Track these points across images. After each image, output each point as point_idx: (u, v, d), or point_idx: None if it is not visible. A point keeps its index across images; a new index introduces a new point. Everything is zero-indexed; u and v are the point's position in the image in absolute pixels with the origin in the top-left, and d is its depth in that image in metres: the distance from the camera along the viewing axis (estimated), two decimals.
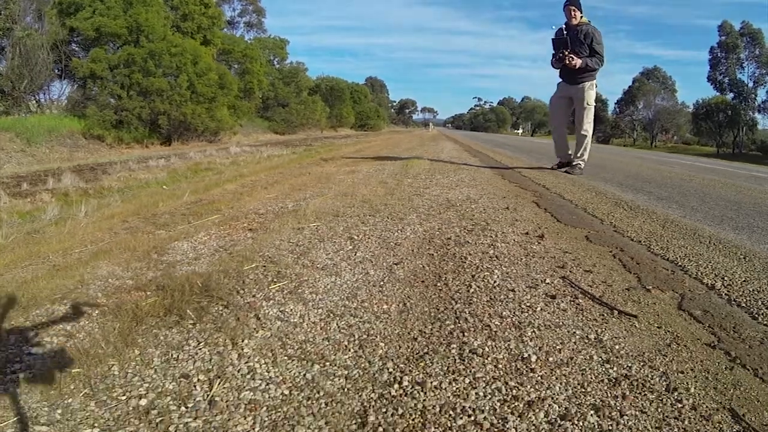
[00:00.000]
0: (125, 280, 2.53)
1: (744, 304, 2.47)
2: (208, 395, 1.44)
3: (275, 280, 2.42)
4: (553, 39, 6.81)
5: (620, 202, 5.35)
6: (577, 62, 6.47)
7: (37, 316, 2.05)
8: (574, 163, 7.38)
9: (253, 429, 1.32)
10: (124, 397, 1.43)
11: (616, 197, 5.67)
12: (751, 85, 44.62)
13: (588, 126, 6.98)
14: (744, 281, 2.82)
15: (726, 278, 2.87)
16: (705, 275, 2.91)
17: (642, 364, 1.78)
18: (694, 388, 1.64)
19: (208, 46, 25.26)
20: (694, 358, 1.86)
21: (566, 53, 6.48)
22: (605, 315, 2.18)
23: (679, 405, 1.54)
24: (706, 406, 1.55)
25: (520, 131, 77.27)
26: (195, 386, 1.49)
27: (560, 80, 7.07)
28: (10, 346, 1.77)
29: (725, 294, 2.62)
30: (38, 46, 18.68)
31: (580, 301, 2.32)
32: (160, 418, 1.32)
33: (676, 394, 1.60)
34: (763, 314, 2.34)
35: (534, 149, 17.67)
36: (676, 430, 1.43)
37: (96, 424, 1.32)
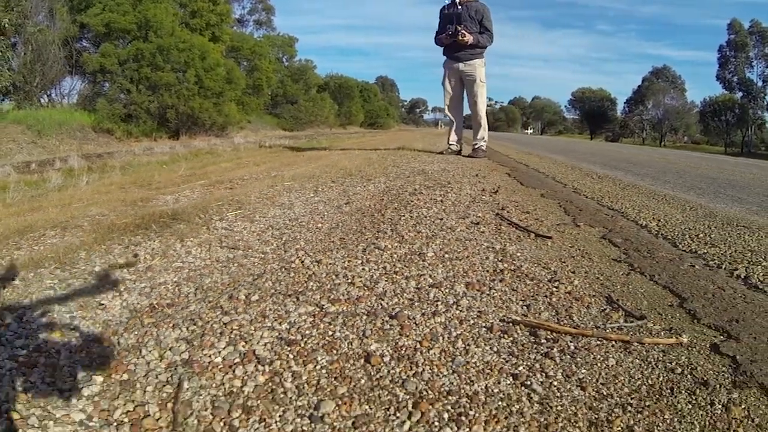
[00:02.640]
0: (110, 216, 2.83)
1: (669, 237, 2.70)
2: (148, 264, 1.73)
3: (234, 210, 2.71)
4: (441, 13, 6.63)
5: (592, 173, 5.58)
6: (469, 38, 6.27)
7: (30, 237, 2.35)
8: (476, 146, 6.93)
9: (172, 280, 1.66)
10: (83, 267, 1.73)
11: (590, 171, 5.90)
12: (760, 84, 44.38)
13: (483, 106, 6.72)
14: (680, 223, 3.05)
15: (662, 221, 3.10)
16: (642, 219, 3.14)
17: (535, 265, 2.02)
18: (578, 281, 1.88)
19: (216, 43, 25.62)
20: (594, 266, 2.10)
21: (459, 28, 6.24)
22: (522, 237, 2.43)
23: (555, 289, 1.78)
24: (582, 293, 1.78)
25: (530, 131, 77.55)
26: (140, 260, 1.80)
27: (446, 59, 6.75)
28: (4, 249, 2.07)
29: (655, 231, 2.85)
30: (49, 42, 19.13)
31: (503, 228, 2.57)
32: (105, 274, 1.63)
33: (556, 283, 1.84)
34: (685, 243, 2.56)
35: (531, 142, 17.89)
36: (541, 303, 1.65)
37: (56, 280, 1.62)
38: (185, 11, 24.79)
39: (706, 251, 2.44)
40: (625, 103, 65.14)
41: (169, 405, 1.04)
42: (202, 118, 21.87)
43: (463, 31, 6.23)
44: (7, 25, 17.23)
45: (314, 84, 41.17)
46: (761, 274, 2.07)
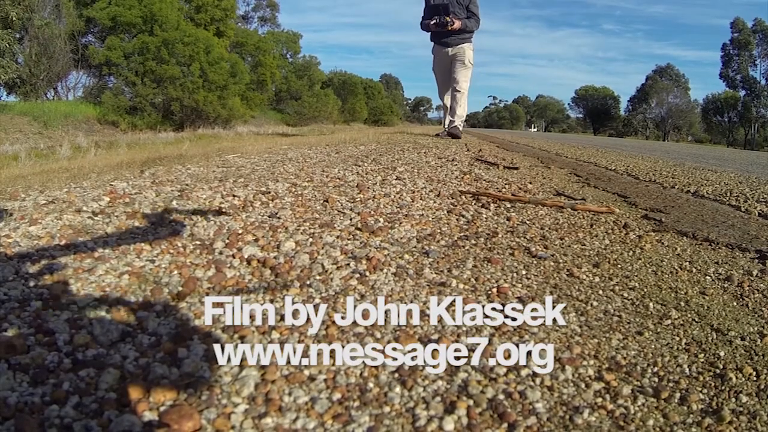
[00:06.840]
0: (119, 169, 3.09)
1: (633, 174, 2.96)
2: (152, 172, 1.97)
3: (232, 154, 2.96)
4: (427, 2, 6.67)
5: (581, 147, 5.81)
6: (457, 24, 6.38)
7: (45, 175, 2.61)
8: (453, 124, 6.65)
9: (169, 178, 1.87)
10: (97, 187, 1.98)
11: (578, 144, 6.14)
12: (763, 82, 44.32)
13: (464, 84, 6.62)
14: (648, 169, 3.30)
15: (631, 167, 3.35)
16: (611, 165, 3.38)
17: (495, 178, 2.27)
18: (533, 186, 2.13)
19: (221, 38, 25.91)
20: (552, 182, 2.34)
21: (448, 19, 6.35)
22: (491, 168, 2.67)
23: (507, 186, 2.03)
24: (533, 189, 2.02)
25: (534, 129, 77.59)
26: (145, 174, 2.03)
27: (434, 44, 6.83)
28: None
29: (621, 171, 3.10)
30: (56, 36, 19.42)
31: (476, 163, 2.81)
32: (113, 179, 1.87)
33: (510, 185, 2.09)
34: (647, 177, 2.85)
35: (537, 137, 18.11)
36: (491, 190, 1.90)
37: (68, 182, 1.86)
38: (190, 6, 25.09)
39: (664, 181, 2.69)
40: (628, 101, 64.98)
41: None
42: (206, 111, 22.13)
43: (453, 20, 6.33)
44: (14, 19, 17.50)
45: (318, 80, 41.34)
46: (709, 190, 2.33)
